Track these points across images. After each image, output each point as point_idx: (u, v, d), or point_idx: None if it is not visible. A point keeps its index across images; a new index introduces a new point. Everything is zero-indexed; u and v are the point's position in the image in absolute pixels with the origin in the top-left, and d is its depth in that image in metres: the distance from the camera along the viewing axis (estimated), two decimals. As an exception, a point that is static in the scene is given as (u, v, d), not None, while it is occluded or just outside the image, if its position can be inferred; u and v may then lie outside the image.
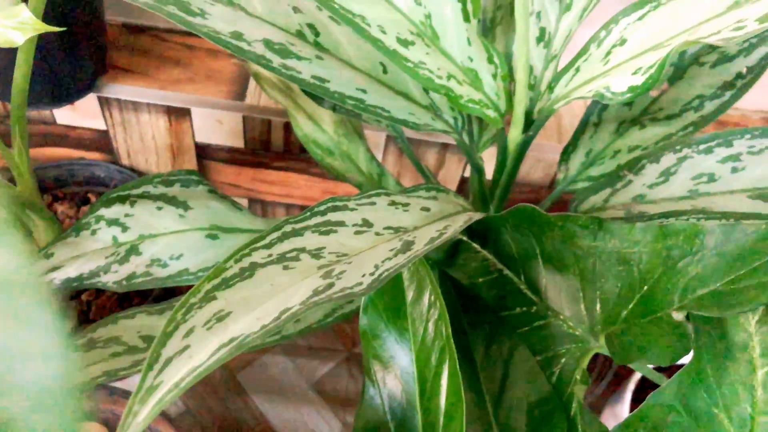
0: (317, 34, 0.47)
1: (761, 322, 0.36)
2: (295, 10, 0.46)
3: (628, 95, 0.42)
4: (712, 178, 0.52)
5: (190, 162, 0.78)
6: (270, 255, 0.37)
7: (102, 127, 0.75)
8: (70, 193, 0.81)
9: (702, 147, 0.52)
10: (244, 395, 0.83)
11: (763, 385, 0.35)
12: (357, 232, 0.42)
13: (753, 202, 0.49)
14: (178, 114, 0.72)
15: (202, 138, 0.75)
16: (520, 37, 0.44)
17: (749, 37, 0.37)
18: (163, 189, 0.56)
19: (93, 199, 0.80)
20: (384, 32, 0.42)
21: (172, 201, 0.55)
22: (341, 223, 0.42)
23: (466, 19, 0.45)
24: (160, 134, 0.75)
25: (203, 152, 0.77)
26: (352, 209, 0.44)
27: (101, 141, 0.78)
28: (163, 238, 0.54)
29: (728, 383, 0.35)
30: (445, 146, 0.74)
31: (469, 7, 0.44)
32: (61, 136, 0.77)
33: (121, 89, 0.70)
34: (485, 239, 0.49)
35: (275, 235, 0.38)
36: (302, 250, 0.39)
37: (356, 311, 0.50)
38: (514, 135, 0.51)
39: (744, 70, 0.55)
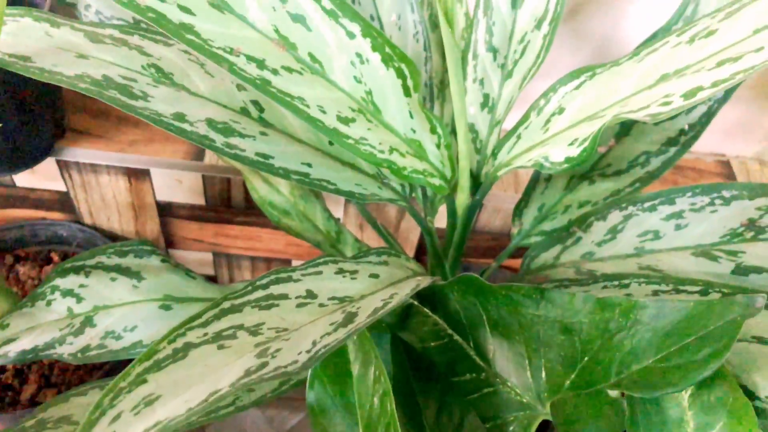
0: (262, 110, 0.47)
1: (694, 396, 0.36)
2: (239, 87, 0.47)
3: (566, 165, 0.43)
4: (657, 236, 0.52)
5: (152, 219, 0.78)
6: (206, 334, 0.37)
7: (62, 188, 0.75)
8: (33, 252, 0.80)
9: (647, 205, 0.53)
10: (213, 450, 0.82)
11: (698, 460, 0.35)
12: (300, 305, 0.42)
13: (696, 260, 0.50)
14: (137, 174, 0.72)
15: (163, 196, 0.75)
16: (458, 111, 0.45)
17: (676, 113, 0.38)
18: (117, 260, 0.56)
19: (56, 258, 0.80)
20: (324, 111, 0.43)
21: (125, 272, 0.55)
22: (284, 296, 0.42)
23: (407, 94, 0.46)
24: (120, 194, 0.75)
25: (165, 210, 0.78)
26: (297, 280, 0.44)
27: (63, 201, 0.78)
28: (117, 309, 0.54)
29: (664, 459, 0.36)
30: (404, 198, 0.74)
31: (409, 82, 0.45)
32: (22, 198, 0.77)
33: (79, 152, 0.71)
34: (435, 304, 0.49)
35: (212, 312, 0.38)
36: (240, 327, 0.38)
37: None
38: (462, 199, 0.51)
39: (686, 127, 0.56)
